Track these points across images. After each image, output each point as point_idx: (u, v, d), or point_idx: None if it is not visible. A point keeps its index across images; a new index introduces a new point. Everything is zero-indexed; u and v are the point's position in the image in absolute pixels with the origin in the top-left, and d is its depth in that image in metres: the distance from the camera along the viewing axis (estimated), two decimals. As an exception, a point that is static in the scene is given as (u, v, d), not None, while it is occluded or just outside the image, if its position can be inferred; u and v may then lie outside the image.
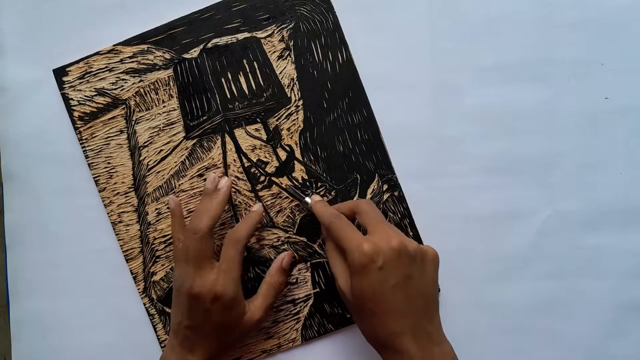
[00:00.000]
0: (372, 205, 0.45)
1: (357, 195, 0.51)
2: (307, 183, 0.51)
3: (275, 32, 0.51)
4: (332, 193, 0.51)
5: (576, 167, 0.50)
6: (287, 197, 0.51)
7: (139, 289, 0.51)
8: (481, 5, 0.51)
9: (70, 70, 0.51)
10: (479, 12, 0.51)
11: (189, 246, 0.45)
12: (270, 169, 0.51)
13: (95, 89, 0.51)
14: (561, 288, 0.50)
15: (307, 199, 0.48)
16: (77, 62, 0.51)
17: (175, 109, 0.51)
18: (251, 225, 0.46)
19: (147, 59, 0.51)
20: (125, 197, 0.51)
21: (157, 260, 0.51)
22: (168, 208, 0.51)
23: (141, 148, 0.51)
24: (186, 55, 0.51)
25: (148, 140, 0.51)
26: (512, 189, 0.51)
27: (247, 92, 0.51)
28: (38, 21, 0.52)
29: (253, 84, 0.51)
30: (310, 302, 0.51)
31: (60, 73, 0.51)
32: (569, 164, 0.50)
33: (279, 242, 0.51)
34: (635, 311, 0.50)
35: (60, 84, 0.51)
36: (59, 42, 0.52)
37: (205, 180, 0.50)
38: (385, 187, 0.51)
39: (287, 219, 0.51)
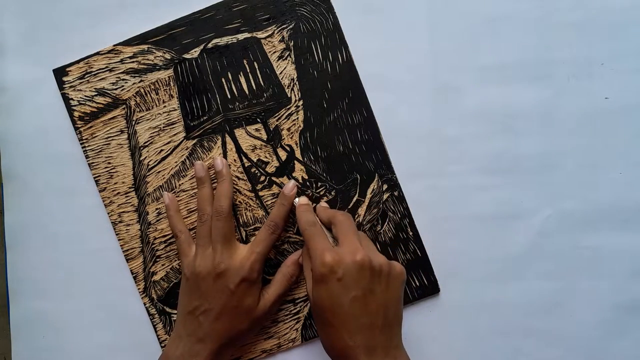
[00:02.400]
0: (347, 217, 0.46)
1: (357, 195, 0.51)
2: (307, 183, 0.51)
3: (276, 33, 0.51)
4: (332, 193, 0.51)
5: (576, 167, 0.50)
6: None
7: (139, 289, 0.51)
8: (481, 5, 0.51)
9: (70, 70, 0.51)
10: (479, 12, 0.51)
11: (214, 228, 0.46)
12: (270, 169, 0.51)
13: (95, 89, 0.51)
14: (561, 288, 0.50)
15: (296, 200, 0.48)
16: (77, 62, 0.51)
17: (176, 109, 0.51)
18: (287, 208, 0.48)
19: (148, 59, 0.51)
20: (126, 197, 0.51)
21: (158, 260, 0.51)
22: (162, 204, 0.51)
23: (141, 148, 0.51)
24: (186, 56, 0.51)
25: (148, 140, 0.51)
26: (512, 189, 0.51)
27: (247, 92, 0.51)
28: (38, 21, 0.52)
29: (253, 84, 0.51)
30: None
31: (60, 73, 0.51)
32: (569, 164, 0.50)
33: (279, 242, 0.51)
34: (635, 311, 0.50)
35: (61, 84, 0.51)
36: (59, 42, 0.52)
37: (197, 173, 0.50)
38: (385, 187, 0.51)
39: (287, 219, 0.51)
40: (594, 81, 0.50)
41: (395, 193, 0.51)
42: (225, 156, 0.51)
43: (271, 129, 0.51)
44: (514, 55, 0.50)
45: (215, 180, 0.50)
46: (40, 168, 0.52)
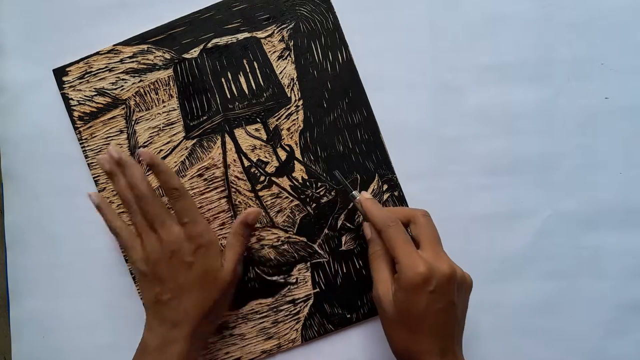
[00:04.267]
0: (429, 220, 0.45)
1: (357, 195, 0.51)
2: (307, 183, 0.51)
3: (275, 32, 0.51)
4: (332, 193, 0.51)
5: (576, 167, 0.50)
6: (287, 197, 0.51)
7: (139, 289, 0.51)
8: (481, 5, 0.51)
9: (70, 70, 0.51)
10: (479, 12, 0.51)
11: (146, 214, 0.44)
12: (270, 169, 0.51)
13: (95, 89, 0.51)
14: (561, 288, 0.50)
15: (355, 193, 0.47)
16: (77, 62, 0.51)
17: (175, 109, 0.51)
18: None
19: (147, 59, 0.51)
20: (125, 197, 0.51)
21: (157, 260, 0.51)
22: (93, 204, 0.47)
23: (141, 148, 0.51)
24: (186, 55, 0.51)
25: (148, 140, 0.51)
26: (512, 189, 0.51)
27: (247, 92, 0.51)
28: (38, 21, 0.52)
29: (253, 84, 0.51)
30: (310, 302, 0.51)
31: (60, 73, 0.51)
32: (569, 164, 0.50)
33: (279, 242, 0.51)
34: (635, 311, 0.50)
35: (60, 84, 0.51)
36: (59, 42, 0.52)
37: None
38: (385, 187, 0.51)
39: (287, 219, 0.51)
40: (594, 81, 0.50)
41: (395, 193, 0.51)
42: (224, 156, 0.51)
43: (271, 129, 0.51)
44: (514, 55, 0.50)
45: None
46: (40, 168, 0.52)
